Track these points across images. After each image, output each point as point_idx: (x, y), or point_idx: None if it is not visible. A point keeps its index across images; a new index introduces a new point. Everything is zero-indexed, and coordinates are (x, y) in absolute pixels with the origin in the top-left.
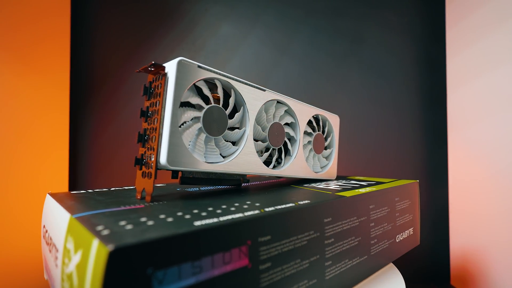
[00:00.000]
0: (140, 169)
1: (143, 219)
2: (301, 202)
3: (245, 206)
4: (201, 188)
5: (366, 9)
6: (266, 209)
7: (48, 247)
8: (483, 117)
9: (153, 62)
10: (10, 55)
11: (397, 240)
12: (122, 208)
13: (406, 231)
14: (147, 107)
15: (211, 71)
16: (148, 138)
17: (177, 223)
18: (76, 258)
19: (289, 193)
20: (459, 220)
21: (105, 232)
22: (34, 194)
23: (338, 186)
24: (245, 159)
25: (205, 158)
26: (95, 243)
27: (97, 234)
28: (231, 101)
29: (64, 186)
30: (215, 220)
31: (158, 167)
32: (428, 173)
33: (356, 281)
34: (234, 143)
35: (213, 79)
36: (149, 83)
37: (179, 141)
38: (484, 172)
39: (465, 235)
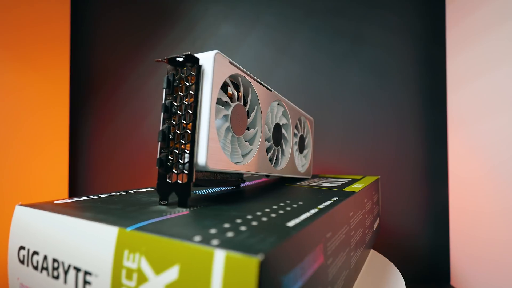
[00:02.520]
0: (165, 171)
1: (227, 225)
2: (335, 199)
3: (295, 205)
4: (207, 190)
5: (366, 9)
6: (320, 207)
7: (48, 272)
8: (483, 117)
9: (189, 52)
10: (10, 54)
11: (374, 229)
12: (171, 216)
13: (377, 221)
14: (171, 102)
15: (238, 67)
16: (175, 136)
17: (268, 226)
18: (166, 277)
19: (304, 192)
20: (460, 220)
21: (215, 241)
22: (34, 194)
23: (329, 183)
24: (259, 159)
25: (231, 158)
26: (220, 254)
27: (209, 244)
28: (249, 99)
29: (63, 186)
30: (298, 220)
31: (196, 169)
32: (428, 173)
33: (360, 270)
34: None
35: (237, 76)
36: (172, 75)
37: (215, 140)
38: (484, 171)
39: (465, 235)
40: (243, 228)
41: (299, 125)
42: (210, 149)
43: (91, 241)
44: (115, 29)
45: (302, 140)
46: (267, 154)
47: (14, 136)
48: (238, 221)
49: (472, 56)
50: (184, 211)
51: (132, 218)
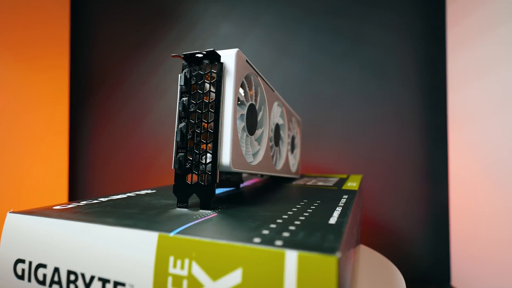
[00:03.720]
0: (183, 172)
1: (273, 226)
2: (345, 197)
3: (316, 204)
4: None
5: (366, 9)
6: (340, 205)
7: (61, 285)
8: (484, 117)
9: (213, 49)
10: (9, 53)
11: (361, 224)
12: (204, 218)
13: (361, 217)
14: (188, 100)
15: (252, 67)
16: (194, 136)
17: (313, 225)
18: (227, 282)
19: (311, 191)
20: (460, 220)
21: (279, 242)
22: (33, 194)
23: (324, 183)
24: (266, 159)
25: (246, 158)
26: (292, 254)
27: (273, 245)
28: (258, 99)
29: (63, 186)
30: (335, 218)
31: (219, 170)
32: (428, 173)
33: (357, 266)
34: None
35: (249, 75)
36: (189, 71)
37: (237, 140)
38: (485, 171)
39: (466, 235)
40: (292, 228)
41: (291, 126)
42: (234, 149)
43: (123, 249)
44: (115, 29)
45: (293, 140)
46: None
47: (13, 136)
48: (279, 221)
49: (473, 56)
50: (212, 214)
51: (163, 222)
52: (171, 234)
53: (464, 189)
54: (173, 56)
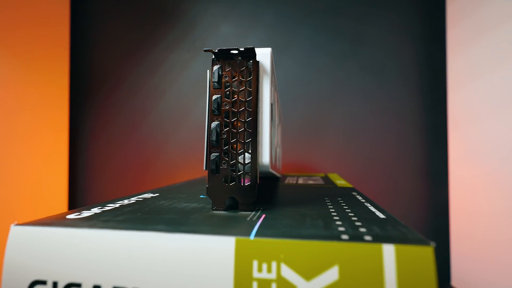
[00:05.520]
0: (217, 173)
1: (339, 223)
2: (356, 194)
3: (342, 202)
4: None
5: (366, 9)
6: (363, 201)
7: None
8: (484, 117)
9: (253, 46)
10: (10, 53)
11: None
12: (260, 220)
13: None
14: (221, 98)
15: (272, 68)
16: (229, 135)
17: (372, 220)
18: (322, 280)
19: (319, 190)
20: (460, 220)
21: (368, 237)
22: (33, 197)
23: (314, 181)
24: (274, 158)
25: None
26: (389, 248)
27: (364, 240)
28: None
29: (63, 187)
30: (379, 213)
31: (260, 170)
32: (428, 173)
33: None
34: None
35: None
36: (221, 68)
37: (270, 140)
38: (485, 172)
39: (466, 235)
40: (357, 223)
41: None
42: (272, 149)
43: (190, 257)
44: (115, 29)
45: (279, 140)
46: None
47: (12, 136)
48: (336, 218)
49: (473, 56)
50: (261, 214)
51: (225, 226)
52: (252, 238)
53: (464, 189)
54: (205, 50)
